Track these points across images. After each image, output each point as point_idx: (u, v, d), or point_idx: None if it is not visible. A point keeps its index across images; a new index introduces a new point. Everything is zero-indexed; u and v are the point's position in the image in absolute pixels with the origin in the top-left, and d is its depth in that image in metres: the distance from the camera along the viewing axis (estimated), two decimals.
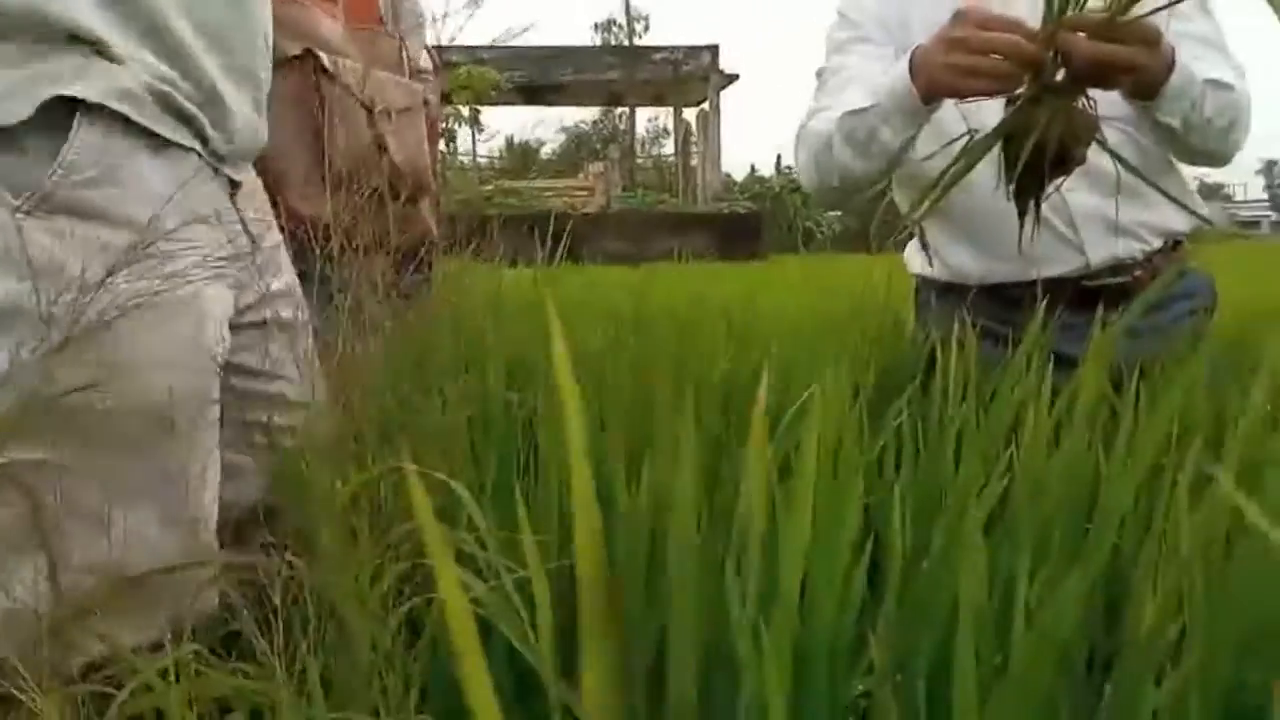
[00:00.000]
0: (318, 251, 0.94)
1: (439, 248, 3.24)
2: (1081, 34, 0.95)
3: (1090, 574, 0.47)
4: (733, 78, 17.43)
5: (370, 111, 1.47)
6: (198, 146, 0.77)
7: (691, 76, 17.21)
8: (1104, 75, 0.98)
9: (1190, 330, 1.32)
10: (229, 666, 0.61)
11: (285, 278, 0.93)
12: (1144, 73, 1.02)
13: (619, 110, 24.08)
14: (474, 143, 20.18)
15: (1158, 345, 1.24)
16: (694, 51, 17.02)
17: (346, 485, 0.64)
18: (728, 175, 19.14)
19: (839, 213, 17.28)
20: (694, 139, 18.47)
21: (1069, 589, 0.41)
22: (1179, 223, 1.34)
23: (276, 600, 0.62)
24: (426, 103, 2.11)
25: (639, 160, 27.83)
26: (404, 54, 1.61)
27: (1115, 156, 0.98)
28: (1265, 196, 72.47)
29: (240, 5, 0.82)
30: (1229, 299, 1.47)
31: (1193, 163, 1.29)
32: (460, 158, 21.11)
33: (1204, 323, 1.37)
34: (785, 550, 0.45)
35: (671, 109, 20.90)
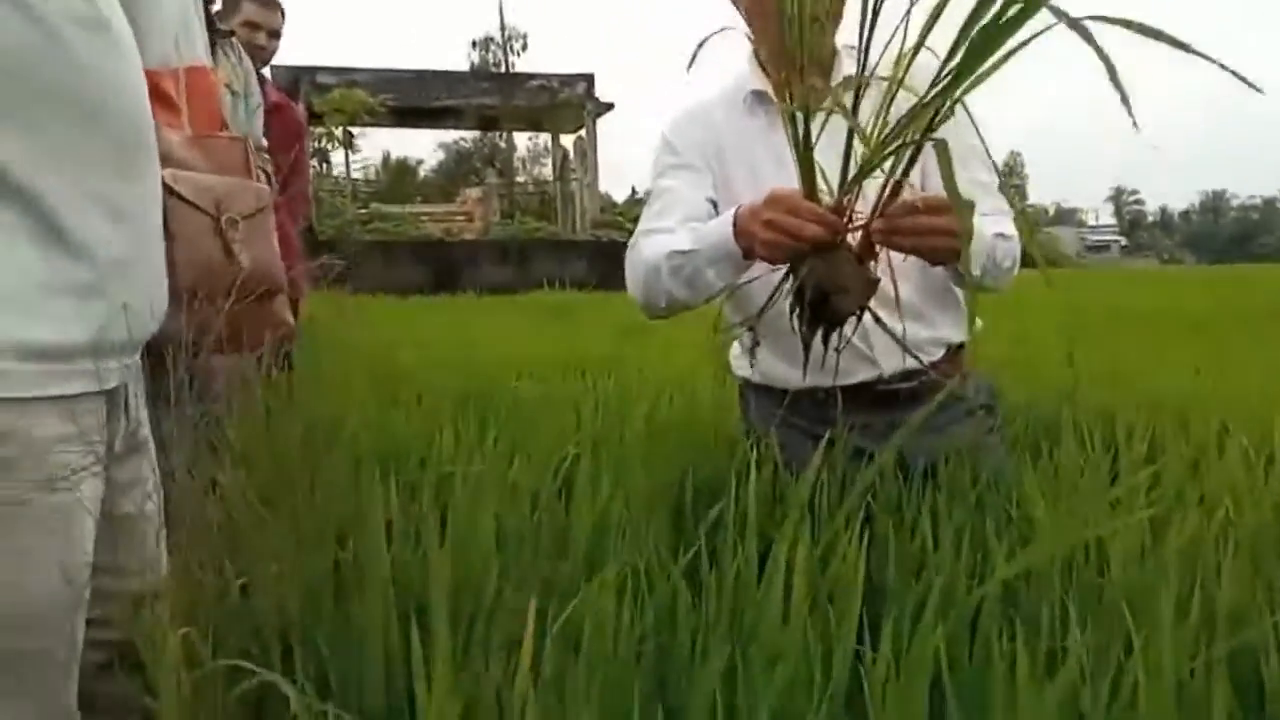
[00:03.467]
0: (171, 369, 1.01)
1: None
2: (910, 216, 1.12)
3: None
4: (608, 106, 17.69)
5: (217, 220, 1.51)
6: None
7: (567, 104, 17.38)
8: (931, 248, 1.16)
9: (972, 429, 1.52)
10: None
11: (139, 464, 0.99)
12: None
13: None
14: (348, 164, 19.88)
15: (941, 442, 1.43)
16: (569, 80, 17.19)
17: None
18: (606, 194, 19.38)
19: None
20: (572, 165, 18.64)
21: None
22: (957, 335, 1.54)
23: None
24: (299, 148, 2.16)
25: (519, 180, 27.83)
26: (249, 156, 1.66)
27: (873, 315, 1.17)
28: (1114, 222, 77.67)
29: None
30: None
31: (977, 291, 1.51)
32: (335, 178, 20.73)
33: (985, 421, 1.57)
34: None
35: (549, 134, 21.05)
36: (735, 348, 1.70)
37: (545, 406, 1.85)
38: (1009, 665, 0.63)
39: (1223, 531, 1.05)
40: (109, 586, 0.91)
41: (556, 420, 1.70)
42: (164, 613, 0.82)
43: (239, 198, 1.57)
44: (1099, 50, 0.80)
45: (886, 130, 1.09)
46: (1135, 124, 0.83)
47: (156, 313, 0.95)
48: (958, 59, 0.97)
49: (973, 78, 0.98)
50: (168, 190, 1.47)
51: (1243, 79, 0.88)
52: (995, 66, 0.97)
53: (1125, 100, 0.80)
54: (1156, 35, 0.86)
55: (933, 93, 1.02)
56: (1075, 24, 0.84)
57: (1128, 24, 0.86)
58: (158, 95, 1.45)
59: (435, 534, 0.90)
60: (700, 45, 1.22)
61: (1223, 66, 0.85)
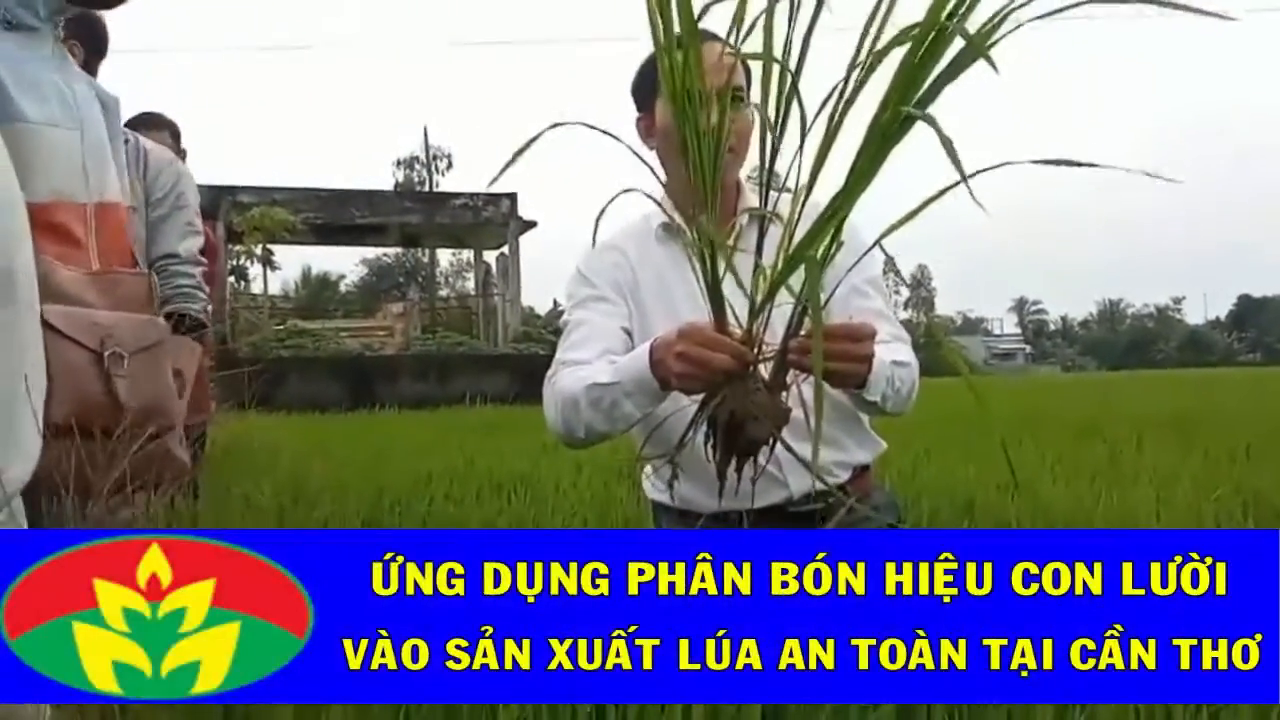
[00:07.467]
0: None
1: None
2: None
3: None
4: (531, 224, 17.97)
5: (99, 355, 1.45)
6: None
7: (490, 222, 17.62)
8: (836, 373, 1.21)
9: None
10: None
11: None
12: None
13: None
14: (265, 282, 19.70)
15: None
16: (493, 198, 17.44)
17: None
18: (530, 308, 19.48)
19: None
20: (494, 281, 18.78)
21: None
22: (863, 456, 1.59)
23: None
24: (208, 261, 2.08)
25: (442, 293, 27.88)
26: (153, 291, 1.62)
27: (783, 442, 1.20)
28: (1018, 331, 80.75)
29: None
30: None
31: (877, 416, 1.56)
32: (253, 295, 20.49)
33: None
34: None
35: (471, 250, 21.24)
36: (649, 469, 1.71)
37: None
38: None
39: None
40: None
41: None
42: None
43: (131, 333, 1.50)
44: (948, 145, 0.87)
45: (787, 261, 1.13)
46: (982, 206, 0.89)
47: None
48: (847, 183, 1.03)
49: (858, 196, 1.03)
50: (48, 327, 1.41)
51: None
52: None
53: (966, 182, 0.87)
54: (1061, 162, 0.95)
55: (824, 219, 1.07)
56: (932, 123, 0.91)
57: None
58: (51, 229, 1.41)
59: None
60: (602, 212, 1.27)
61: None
